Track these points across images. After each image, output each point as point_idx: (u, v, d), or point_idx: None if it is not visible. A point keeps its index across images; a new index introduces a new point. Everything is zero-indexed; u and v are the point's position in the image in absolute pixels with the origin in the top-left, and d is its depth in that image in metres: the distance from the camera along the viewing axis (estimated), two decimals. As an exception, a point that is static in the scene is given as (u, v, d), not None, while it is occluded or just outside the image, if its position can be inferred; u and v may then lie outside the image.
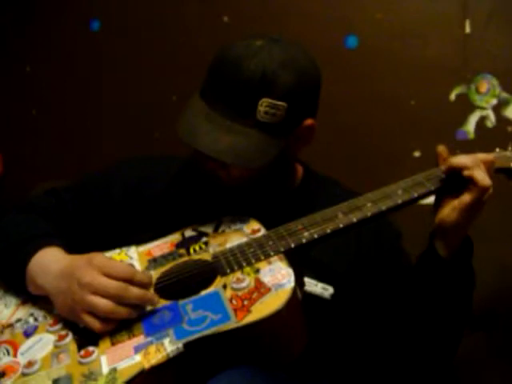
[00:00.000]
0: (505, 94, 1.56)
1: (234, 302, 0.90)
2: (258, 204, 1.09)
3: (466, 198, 0.97)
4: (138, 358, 0.85)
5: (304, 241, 0.98)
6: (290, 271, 0.93)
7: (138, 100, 1.97)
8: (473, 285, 1.04)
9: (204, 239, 1.05)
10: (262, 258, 0.96)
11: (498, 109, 1.56)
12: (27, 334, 0.95)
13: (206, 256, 1.02)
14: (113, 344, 0.89)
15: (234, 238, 1.03)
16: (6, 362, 0.90)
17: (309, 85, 1.04)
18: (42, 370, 0.88)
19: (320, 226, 0.99)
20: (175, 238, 1.08)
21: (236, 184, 1.06)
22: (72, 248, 1.02)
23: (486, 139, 1.57)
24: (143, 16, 1.95)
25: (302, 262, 0.99)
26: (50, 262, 0.97)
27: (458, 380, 1.41)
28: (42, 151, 2.11)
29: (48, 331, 0.94)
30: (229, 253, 1.00)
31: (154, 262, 1.04)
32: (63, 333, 0.93)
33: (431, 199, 1.05)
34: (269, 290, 0.90)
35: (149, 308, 0.93)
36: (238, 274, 0.94)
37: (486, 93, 1.57)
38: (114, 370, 0.84)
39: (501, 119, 1.56)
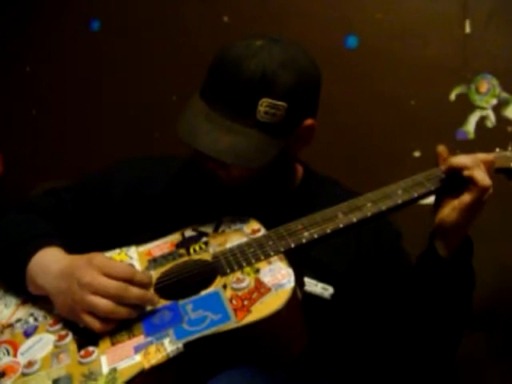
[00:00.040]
0: (505, 94, 1.56)
1: (233, 301, 0.90)
2: (258, 204, 1.09)
3: (466, 197, 0.97)
4: (137, 357, 0.85)
5: (304, 241, 0.98)
6: (290, 271, 0.92)
7: (138, 100, 1.97)
8: (473, 285, 1.04)
9: (204, 239, 1.05)
10: (262, 258, 0.96)
11: (498, 109, 1.56)
12: (27, 334, 0.95)
13: (206, 256, 1.02)
14: (113, 344, 0.89)
15: (234, 238, 1.03)
16: (6, 361, 0.90)
17: (309, 85, 1.04)
18: (42, 369, 0.88)
19: (320, 225, 0.99)
20: (175, 238, 1.08)
21: (236, 184, 1.06)
22: (72, 248, 1.02)
23: (486, 139, 1.57)
24: (143, 16, 1.95)
25: (301, 262, 0.99)
26: (50, 262, 0.97)
27: (458, 380, 1.41)
28: (41, 151, 2.11)
29: (48, 331, 0.94)
30: (229, 253, 1.00)
31: (154, 262, 1.04)
32: (63, 333, 0.93)
33: (431, 199, 1.05)
34: (269, 290, 0.90)
35: (149, 308, 0.93)
36: (238, 274, 0.94)
37: (486, 93, 1.57)
38: (113, 370, 0.84)
39: (501, 119, 1.56)
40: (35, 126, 2.13)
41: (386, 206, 1.01)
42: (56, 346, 0.91)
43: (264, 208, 1.09)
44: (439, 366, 1.08)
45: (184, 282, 0.99)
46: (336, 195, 1.09)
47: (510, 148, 1.10)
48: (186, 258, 1.03)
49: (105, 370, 0.85)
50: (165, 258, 1.04)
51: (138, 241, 1.09)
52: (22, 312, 1.00)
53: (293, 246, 0.97)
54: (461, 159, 0.99)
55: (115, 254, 1.06)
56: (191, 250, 1.04)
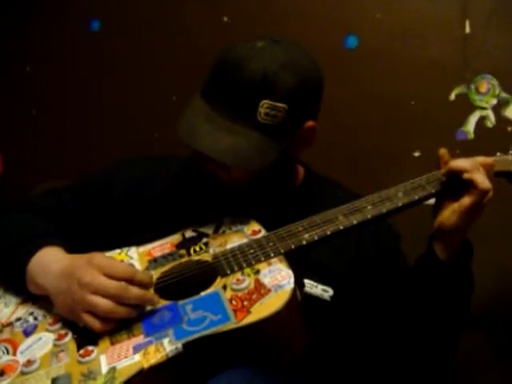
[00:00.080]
0: (505, 94, 1.55)
1: (233, 302, 0.90)
2: (258, 205, 1.09)
3: (466, 200, 0.97)
4: (137, 357, 0.85)
5: (304, 242, 0.98)
6: (290, 272, 0.93)
7: (138, 100, 1.97)
8: (471, 288, 1.04)
9: (204, 240, 1.05)
10: (262, 259, 0.96)
11: (497, 109, 1.56)
12: (27, 333, 0.95)
13: (207, 257, 1.02)
14: (112, 343, 0.89)
15: (235, 238, 1.03)
16: (6, 360, 0.90)
17: (310, 87, 1.04)
18: (42, 368, 0.88)
19: (320, 227, 1.00)
20: (175, 238, 1.08)
21: (236, 185, 1.06)
22: (72, 248, 1.02)
23: (485, 139, 1.56)
24: (143, 16, 1.95)
25: (302, 263, 0.99)
26: (50, 262, 0.97)
27: (458, 380, 1.41)
28: (41, 151, 2.11)
29: (47, 330, 0.95)
30: (229, 254, 1.00)
31: (154, 262, 1.04)
32: (63, 332, 0.93)
33: (432, 200, 1.05)
34: (269, 291, 0.90)
35: (148, 308, 0.93)
36: (238, 275, 0.94)
37: (486, 93, 1.57)
38: (113, 370, 0.84)
39: (501, 119, 1.56)
40: (35, 125, 2.12)
41: (387, 209, 1.01)
42: (55, 345, 0.91)
43: (265, 209, 1.09)
44: (437, 367, 1.08)
45: (184, 282, 0.99)
46: (337, 197, 1.09)
47: (510, 151, 1.10)
48: (186, 259, 1.03)
49: (104, 369, 0.85)
50: (165, 258, 1.04)
51: (138, 241, 1.09)
52: (22, 311, 1.00)
53: (293, 247, 0.97)
54: (460, 162, 1.00)
55: (115, 254, 1.06)
56: (191, 251, 1.04)
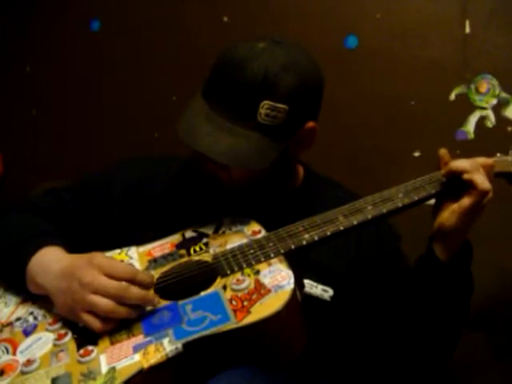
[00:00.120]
0: (505, 94, 1.55)
1: (233, 302, 0.90)
2: (258, 205, 1.09)
3: (466, 201, 0.97)
4: (136, 357, 0.85)
5: (304, 243, 0.98)
6: (290, 273, 0.93)
7: (138, 100, 1.97)
8: (471, 289, 1.04)
9: (204, 240, 1.05)
10: (262, 259, 0.96)
11: (497, 109, 1.56)
12: (26, 333, 0.95)
13: (207, 257, 1.02)
14: (112, 343, 0.89)
15: (235, 239, 1.03)
16: (5, 360, 0.90)
17: (310, 88, 1.03)
18: (41, 368, 0.88)
19: (320, 227, 1.00)
20: (176, 238, 1.08)
21: (236, 185, 1.06)
22: (72, 248, 1.02)
23: (485, 139, 1.56)
24: (143, 16, 1.95)
25: (302, 263, 0.99)
26: (50, 262, 0.97)
27: (458, 380, 1.41)
28: (42, 151, 2.11)
29: (47, 330, 0.95)
30: (229, 254, 1.00)
31: (155, 262, 1.04)
32: (63, 332, 0.93)
33: (432, 200, 1.05)
34: (269, 291, 0.90)
35: (148, 308, 0.93)
36: (238, 275, 0.94)
37: (486, 93, 1.57)
38: (112, 369, 0.84)
39: (501, 119, 1.56)
40: (35, 125, 2.12)
41: (387, 209, 1.01)
42: (55, 345, 0.91)
43: (265, 209, 1.09)
44: (437, 367, 1.08)
45: (184, 282, 0.99)
46: (338, 197, 1.09)
47: (510, 152, 1.10)
48: (186, 259, 1.03)
49: (104, 369, 0.85)
50: (165, 258, 1.04)
51: (138, 241, 1.09)
52: (22, 311, 1.00)
53: (293, 247, 0.97)
54: (460, 163, 1.00)
55: (115, 254, 1.06)
56: (191, 251, 1.04)
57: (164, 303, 0.94)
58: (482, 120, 1.58)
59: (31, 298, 1.01)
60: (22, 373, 0.88)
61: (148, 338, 0.88)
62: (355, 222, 1.00)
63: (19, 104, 2.14)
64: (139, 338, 0.88)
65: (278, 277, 0.92)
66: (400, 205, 1.02)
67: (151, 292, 0.94)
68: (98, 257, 0.94)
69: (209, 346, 0.86)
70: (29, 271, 0.98)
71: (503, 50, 1.55)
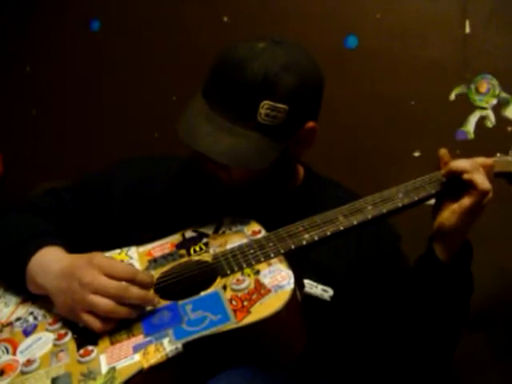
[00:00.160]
0: (505, 94, 1.55)
1: (233, 302, 0.90)
2: (258, 205, 1.09)
3: (466, 201, 0.97)
4: (136, 357, 0.85)
5: (304, 243, 0.98)
6: (290, 273, 0.93)
7: (138, 100, 1.97)
8: (471, 289, 1.04)
9: (204, 240, 1.05)
10: (262, 259, 0.96)
11: (497, 109, 1.56)
12: (26, 333, 0.95)
13: (207, 257, 1.02)
14: (112, 343, 0.89)
15: (235, 239, 1.03)
16: (5, 360, 0.90)
17: (311, 88, 1.03)
18: (41, 368, 0.88)
19: (320, 227, 1.00)
20: (175, 238, 1.08)
21: (237, 185, 1.06)
22: (72, 248, 1.02)
23: (485, 139, 1.56)
24: (143, 16, 1.95)
25: (302, 263, 0.99)
26: (50, 262, 0.97)
27: (458, 380, 1.41)
28: (41, 151, 2.11)
29: (47, 330, 0.94)
30: (229, 254, 1.00)
31: (154, 262, 1.04)
32: (62, 332, 0.93)
33: (432, 200, 1.05)
34: (269, 291, 0.90)
35: (148, 308, 0.93)
36: (238, 275, 0.94)
37: (486, 93, 1.57)
38: (112, 369, 0.84)
39: (501, 119, 1.56)
40: (35, 126, 2.12)
41: (387, 209, 1.01)
42: (55, 345, 0.91)
43: (265, 209, 1.09)
44: (437, 367, 1.08)
45: (184, 282, 0.99)
46: (338, 197, 1.09)
47: (510, 152, 1.10)
48: (186, 259, 1.03)
49: (104, 369, 0.85)
50: (165, 258, 1.04)
51: (138, 241, 1.09)
52: (22, 311, 1.00)
53: (293, 247, 0.97)
54: (460, 163, 1.00)
55: (115, 254, 1.06)
56: (191, 251, 1.04)
57: (164, 303, 0.94)
58: (482, 120, 1.58)
59: (31, 298, 1.01)
60: (22, 373, 0.88)
61: (148, 338, 0.88)
62: (355, 222, 1.00)
63: (19, 104, 2.14)
64: (139, 338, 0.88)
65: (278, 277, 0.92)
66: (400, 205, 1.02)
67: (151, 292, 0.94)
68: (98, 257, 0.94)
69: (209, 346, 0.86)
70: (29, 271, 0.98)
71: (503, 49, 1.55)
